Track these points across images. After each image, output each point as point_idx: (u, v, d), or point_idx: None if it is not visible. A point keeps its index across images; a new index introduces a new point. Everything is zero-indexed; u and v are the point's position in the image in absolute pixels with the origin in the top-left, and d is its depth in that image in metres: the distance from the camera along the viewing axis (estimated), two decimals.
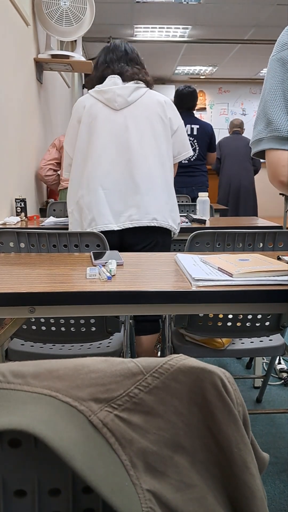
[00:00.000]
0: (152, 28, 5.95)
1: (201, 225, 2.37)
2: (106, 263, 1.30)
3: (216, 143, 4.26)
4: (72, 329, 1.55)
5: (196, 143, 3.89)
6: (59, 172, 3.30)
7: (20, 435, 0.42)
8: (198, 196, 2.55)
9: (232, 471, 0.46)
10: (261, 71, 8.16)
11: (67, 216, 2.15)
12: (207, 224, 2.40)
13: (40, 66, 3.48)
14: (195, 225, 2.38)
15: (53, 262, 1.39)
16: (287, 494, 1.59)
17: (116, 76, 1.93)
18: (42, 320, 1.53)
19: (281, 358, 2.59)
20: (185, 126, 3.86)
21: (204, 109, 8.97)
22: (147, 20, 5.66)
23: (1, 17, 2.47)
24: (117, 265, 1.31)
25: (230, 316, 1.56)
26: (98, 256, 1.43)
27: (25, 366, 0.44)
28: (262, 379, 2.23)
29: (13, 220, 2.40)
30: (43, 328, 1.55)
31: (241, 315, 1.55)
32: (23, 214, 2.58)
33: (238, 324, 1.57)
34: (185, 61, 7.56)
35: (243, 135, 5.20)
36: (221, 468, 0.47)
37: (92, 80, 2.00)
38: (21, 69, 2.94)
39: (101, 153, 1.88)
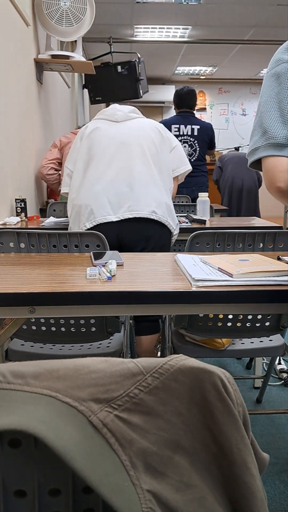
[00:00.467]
0: (152, 28, 5.95)
1: (201, 225, 2.37)
2: (106, 263, 1.30)
3: (216, 141, 4.29)
4: (72, 329, 1.55)
5: (196, 144, 3.90)
6: (60, 172, 3.30)
7: (20, 435, 0.42)
8: (198, 197, 2.55)
9: (232, 471, 0.46)
10: (261, 71, 8.16)
11: (67, 216, 2.15)
12: (207, 224, 2.40)
13: (40, 66, 3.48)
14: (195, 225, 2.38)
15: (53, 262, 1.39)
16: (287, 494, 1.59)
17: (116, 103, 2.12)
18: (42, 320, 1.53)
19: (281, 358, 2.59)
20: (186, 127, 3.88)
21: (204, 109, 8.97)
22: (147, 20, 5.66)
23: (1, 17, 2.47)
24: (117, 265, 1.31)
25: (230, 316, 1.55)
26: (98, 256, 1.43)
27: (25, 366, 0.44)
28: (262, 380, 2.23)
29: (13, 220, 2.40)
30: (43, 328, 1.55)
31: (241, 315, 1.55)
32: (23, 214, 2.58)
33: (238, 324, 1.57)
34: (185, 61, 7.55)
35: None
36: (221, 468, 0.47)
37: None
38: (21, 69, 2.94)
39: (101, 154, 1.93)
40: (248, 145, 1.12)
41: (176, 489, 0.44)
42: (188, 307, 1.14)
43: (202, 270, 1.21)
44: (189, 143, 3.88)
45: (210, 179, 4.17)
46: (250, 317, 1.56)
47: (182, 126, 3.87)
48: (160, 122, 3.99)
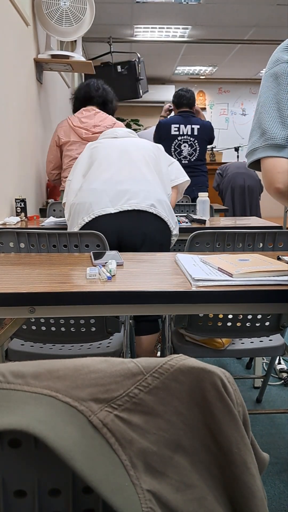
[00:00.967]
0: (152, 28, 5.95)
1: (201, 225, 2.37)
2: (106, 263, 1.30)
3: (215, 141, 4.30)
4: (72, 329, 1.55)
5: (196, 143, 3.90)
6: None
7: (20, 435, 0.42)
8: (198, 196, 2.55)
9: (232, 471, 0.46)
10: (261, 71, 8.16)
11: None
12: (207, 224, 2.40)
13: (40, 66, 3.48)
14: (195, 225, 2.38)
15: (53, 262, 1.39)
16: (287, 494, 1.59)
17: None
18: (42, 320, 1.53)
19: (281, 358, 2.59)
20: (186, 126, 3.88)
21: (204, 109, 8.96)
22: (147, 20, 5.66)
23: (1, 17, 2.47)
24: (117, 265, 1.31)
25: (230, 316, 1.56)
26: (98, 256, 1.43)
27: (25, 366, 0.44)
28: (262, 379, 2.23)
29: (13, 220, 2.40)
30: (43, 328, 1.55)
31: (241, 315, 1.55)
32: (23, 214, 2.58)
33: (238, 324, 1.57)
34: (185, 61, 7.55)
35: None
36: (221, 468, 0.47)
37: None
38: (21, 69, 2.94)
39: (102, 158, 1.98)
40: (247, 145, 1.11)
41: (176, 489, 0.44)
42: (188, 307, 1.14)
43: (202, 270, 1.21)
44: (189, 143, 3.88)
45: (210, 178, 4.17)
46: (250, 317, 1.56)
47: (182, 126, 3.87)
48: (160, 121, 4.01)
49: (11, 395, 0.41)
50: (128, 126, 7.49)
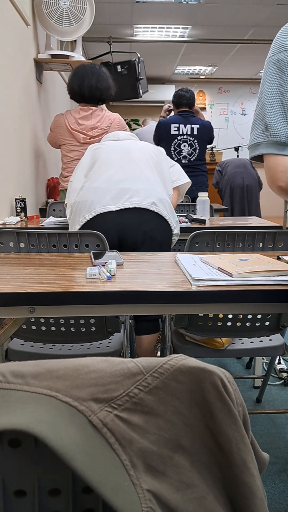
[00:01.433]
0: (152, 28, 5.95)
1: (201, 225, 2.37)
2: (106, 263, 1.30)
3: (215, 141, 4.31)
4: (72, 329, 1.55)
5: (196, 143, 3.90)
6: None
7: (20, 435, 0.42)
8: (198, 196, 2.55)
9: (232, 471, 0.46)
10: (261, 71, 8.16)
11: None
12: (207, 224, 2.40)
13: (40, 66, 3.48)
14: (195, 225, 2.38)
15: (53, 262, 1.39)
16: (287, 493, 1.59)
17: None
18: (42, 320, 1.53)
19: (281, 358, 2.59)
20: (185, 126, 3.88)
21: (204, 109, 8.96)
22: (147, 20, 5.66)
23: (1, 17, 2.47)
24: (117, 265, 1.31)
25: (230, 316, 1.55)
26: (98, 256, 1.43)
27: (25, 366, 0.44)
28: (262, 379, 2.23)
29: (13, 220, 2.40)
30: (43, 328, 1.55)
31: (241, 315, 1.55)
32: (23, 214, 2.58)
33: (238, 324, 1.57)
34: (185, 61, 7.55)
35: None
36: (221, 468, 0.47)
37: None
38: (21, 69, 2.94)
39: (104, 158, 1.98)
40: (247, 145, 1.11)
41: (176, 489, 0.44)
42: (188, 307, 1.14)
43: (202, 270, 1.21)
44: (188, 143, 3.88)
45: (210, 178, 4.17)
46: (250, 316, 1.56)
47: (182, 126, 3.87)
48: (159, 121, 4.00)
49: (11, 395, 0.41)
50: (128, 125, 7.49)
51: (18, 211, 2.60)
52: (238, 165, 5.04)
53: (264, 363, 2.55)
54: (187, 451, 0.45)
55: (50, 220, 2.46)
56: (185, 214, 2.61)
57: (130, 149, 2.03)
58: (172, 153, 3.86)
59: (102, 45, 5.40)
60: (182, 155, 3.88)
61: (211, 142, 4.06)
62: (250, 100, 9.03)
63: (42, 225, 2.36)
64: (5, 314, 1.13)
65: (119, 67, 4.79)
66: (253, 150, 1.05)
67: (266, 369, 2.42)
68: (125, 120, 3.18)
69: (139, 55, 4.94)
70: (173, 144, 3.87)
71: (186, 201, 3.28)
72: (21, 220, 2.50)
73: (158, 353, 2.31)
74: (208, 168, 4.17)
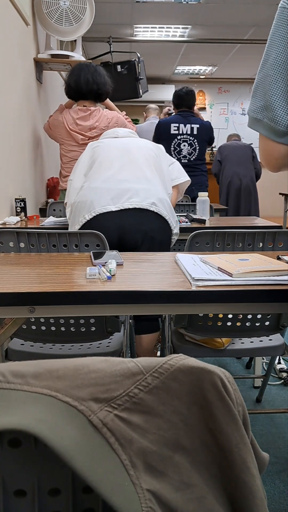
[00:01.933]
0: (152, 28, 5.95)
1: (201, 225, 2.37)
2: (106, 263, 1.30)
3: (215, 141, 4.29)
4: (72, 329, 1.55)
5: (196, 143, 3.90)
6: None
7: (20, 435, 0.42)
8: (197, 196, 2.55)
9: (232, 471, 0.46)
10: None
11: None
12: (207, 224, 2.40)
13: (39, 66, 3.48)
14: (195, 225, 2.38)
15: (53, 262, 1.39)
16: (287, 493, 1.59)
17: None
18: (42, 320, 1.53)
19: (281, 358, 2.59)
20: (185, 126, 3.88)
21: (204, 109, 8.96)
22: (147, 20, 5.66)
23: (1, 17, 2.47)
24: (117, 265, 1.30)
25: (230, 316, 1.55)
26: (98, 256, 1.43)
27: (25, 366, 0.44)
28: (262, 379, 2.24)
29: (13, 220, 2.39)
30: (43, 328, 1.55)
31: (241, 315, 1.55)
32: (23, 214, 2.58)
33: (238, 324, 1.57)
34: (185, 61, 7.55)
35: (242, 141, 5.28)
36: (221, 468, 0.47)
37: None
38: (21, 69, 2.93)
39: (104, 158, 1.98)
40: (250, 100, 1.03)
41: (176, 489, 0.44)
42: (188, 307, 1.14)
43: (202, 269, 1.21)
44: (188, 142, 3.88)
45: (210, 178, 4.17)
46: (249, 316, 1.56)
47: (182, 125, 3.87)
48: (159, 121, 4.00)
49: (11, 395, 0.41)
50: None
51: (18, 211, 2.59)
52: (237, 162, 5.02)
53: (264, 363, 2.55)
54: (187, 451, 0.45)
55: (50, 220, 2.46)
56: (185, 214, 2.61)
57: (129, 147, 2.03)
58: (172, 153, 3.86)
59: (102, 45, 5.40)
60: (182, 155, 3.89)
61: (211, 143, 4.06)
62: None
63: (42, 225, 2.36)
64: (5, 314, 1.13)
65: (119, 67, 4.79)
66: (252, 124, 1.00)
67: (266, 369, 2.42)
68: None
69: (139, 55, 4.94)
70: (173, 143, 3.87)
71: (186, 201, 3.27)
72: (21, 220, 2.50)
73: (158, 353, 2.31)
74: (208, 168, 4.17)
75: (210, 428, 0.46)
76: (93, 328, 1.55)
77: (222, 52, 7.01)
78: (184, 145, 3.87)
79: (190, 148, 3.89)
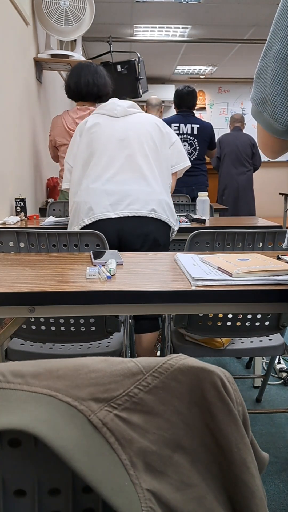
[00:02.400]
0: (152, 27, 5.95)
1: (201, 225, 2.37)
2: (105, 262, 1.30)
3: (216, 139, 4.28)
4: (71, 328, 1.55)
5: (196, 143, 3.90)
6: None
7: (20, 435, 0.42)
8: (198, 196, 2.55)
9: (232, 470, 0.46)
10: None
11: (67, 216, 2.15)
12: (207, 224, 2.40)
13: (39, 65, 3.47)
14: (195, 224, 2.38)
15: (53, 262, 1.39)
16: (287, 493, 1.59)
17: (115, 98, 2.13)
18: (42, 319, 1.53)
19: (280, 358, 2.59)
20: (186, 125, 3.88)
21: (204, 108, 8.96)
22: (147, 20, 5.66)
23: (1, 17, 2.47)
24: (117, 265, 1.30)
25: (230, 316, 1.56)
26: (97, 255, 1.43)
27: (25, 366, 0.44)
28: (262, 379, 2.24)
29: (13, 220, 2.39)
30: (43, 327, 1.55)
31: (241, 315, 1.55)
32: (22, 213, 2.58)
33: (238, 323, 1.57)
34: (184, 60, 7.55)
35: (244, 131, 5.18)
36: (221, 467, 0.47)
37: None
38: (21, 69, 2.93)
39: (101, 151, 1.93)
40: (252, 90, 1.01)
41: (176, 489, 0.44)
42: (187, 307, 1.14)
43: (201, 269, 1.21)
44: (188, 142, 3.89)
45: (210, 178, 4.16)
46: (249, 316, 1.56)
47: (182, 125, 3.87)
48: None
49: (11, 395, 0.41)
50: None
51: (18, 210, 2.59)
52: (235, 162, 5.00)
53: (264, 363, 2.55)
54: (186, 450, 0.45)
55: (50, 220, 2.46)
56: (185, 214, 2.61)
57: (129, 139, 1.94)
58: None
59: (102, 44, 5.40)
60: None
61: (212, 145, 4.03)
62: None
63: (42, 225, 2.36)
64: (5, 313, 1.13)
65: (119, 66, 4.79)
66: (254, 114, 0.98)
67: (266, 369, 2.42)
68: None
69: (139, 54, 4.94)
70: None
71: (186, 201, 3.28)
72: (21, 220, 2.50)
73: (158, 353, 2.31)
74: (208, 168, 4.17)
75: (210, 428, 0.46)
76: (93, 328, 1.55)
77: (222, 52, 7.01)
78: (184, 145, 3.87)
79: (190, 148, 3.89)
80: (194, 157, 3.90)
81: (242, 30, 5.98)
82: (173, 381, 0.45)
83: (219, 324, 1.57)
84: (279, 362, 2.54)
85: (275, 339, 1.74)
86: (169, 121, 3.90)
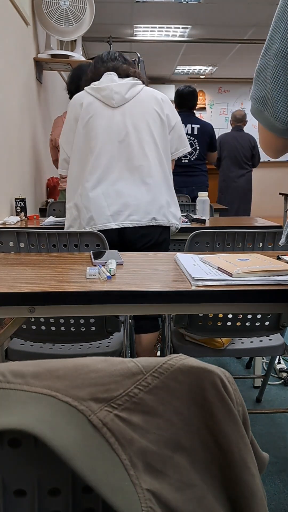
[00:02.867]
0: (152, 27, 5.95)
1: (201, 225, 2.37)
2: (106, 262, 1.30)
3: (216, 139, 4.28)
4: (72, 329, 1.55)
5: (196, 143, 3.89)
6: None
7: (20, 435, 0.42)
8: (198, 196, 2.55)
9: (232, 470, 0.46)
10: None
11: None
12: (207, 224, 2.40)
13: (40, 65, 3.47)
14: (195, 225, 2.38)
15: (53, 262, 1.39)
16: (287, 493, 1.59)
17: (112, 73, 1.94)
18: (42, 320, 1.53)
19: (280, 358, 2.59)
20: (186, 125, 3.87)
21: (204, 109, 8.97)
22: (147, 20, 5.66)
23: (1, 17, 2.47)
24: (117, 265, 1.30)
25: (230, 316, 1.56)
26: (97, 255, 1.43)
27: (25, 366, 0.44)
28: (262, 379, 2.24)
29: (13, 220, 2.40)
30: (43, 327, 1.55)
31: (241, 315, 1.55)
32: (22, 213, 2.58)
33: (238, 324, 1.57)
34: (185, 60, 7.55)
35: (244, 130, 5.17)
36: (221, 467, 0.47)
37: (87, 81, 2.00)
38: (21, 69, 2.93)
39: (100, 152, 1.87)
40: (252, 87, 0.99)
41: (176, 489, 0.44)
42: (188, 307, 1.14)
43: (201, 269, 1.21)
44: (189, 142, 3.88)
45: (210, 178, 4.16)
46: (249, 316, 1.56)
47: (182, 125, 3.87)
48: None
49: (11, 395, 0.41)
50: None
51: (18, 210, 2.59)
52: (234, 162, 5.00)
53: (264, 363, 2.55)
54: (186, 450, 0.45)
55: (50, 220, 2.46)
56: (185, 214, 2.61)
57: (128, 136, 1.87)
58: None
59: (102, 44, 5.40)
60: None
61: (212, 145, 4.01)
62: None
63: (42, 225, 2.36)
64: (5, 313, 1.13)
65: None
66: (255, 112, 0.98)
67: (266, 369, 2.42)
68: None
69: (139, 54, 4.94)
70: None
71: (186, 201, 3.27)
72: (21, 220, 2.50)
73: (158, 353, 2.31)
74: (208, 168, 4.17)
75: (210, 428, 0.46)
76: (93, 328, 1.55)
77: (222, 52, 7.01)
78: None
79: (191, 148, 3.88)
80: (194, 157, 3.90)
81: (242, 30, 5.99)
82: (173, 381, 0.45)
83: (219, 324, 1.57)
84: (279, 362, 2.54)
85: (275, 339, 1.74)
86: None
